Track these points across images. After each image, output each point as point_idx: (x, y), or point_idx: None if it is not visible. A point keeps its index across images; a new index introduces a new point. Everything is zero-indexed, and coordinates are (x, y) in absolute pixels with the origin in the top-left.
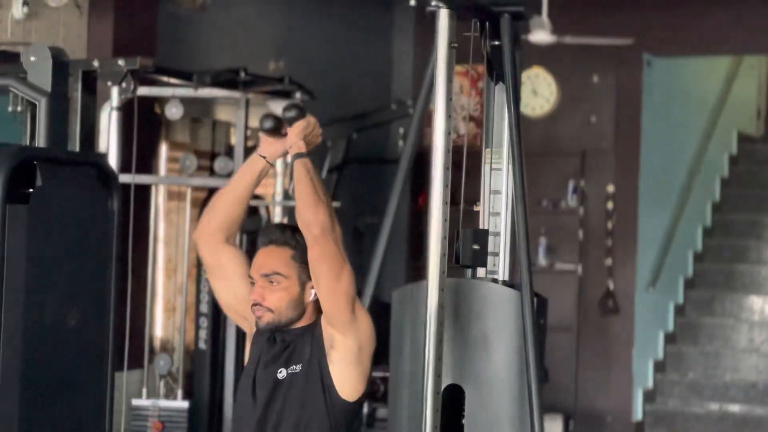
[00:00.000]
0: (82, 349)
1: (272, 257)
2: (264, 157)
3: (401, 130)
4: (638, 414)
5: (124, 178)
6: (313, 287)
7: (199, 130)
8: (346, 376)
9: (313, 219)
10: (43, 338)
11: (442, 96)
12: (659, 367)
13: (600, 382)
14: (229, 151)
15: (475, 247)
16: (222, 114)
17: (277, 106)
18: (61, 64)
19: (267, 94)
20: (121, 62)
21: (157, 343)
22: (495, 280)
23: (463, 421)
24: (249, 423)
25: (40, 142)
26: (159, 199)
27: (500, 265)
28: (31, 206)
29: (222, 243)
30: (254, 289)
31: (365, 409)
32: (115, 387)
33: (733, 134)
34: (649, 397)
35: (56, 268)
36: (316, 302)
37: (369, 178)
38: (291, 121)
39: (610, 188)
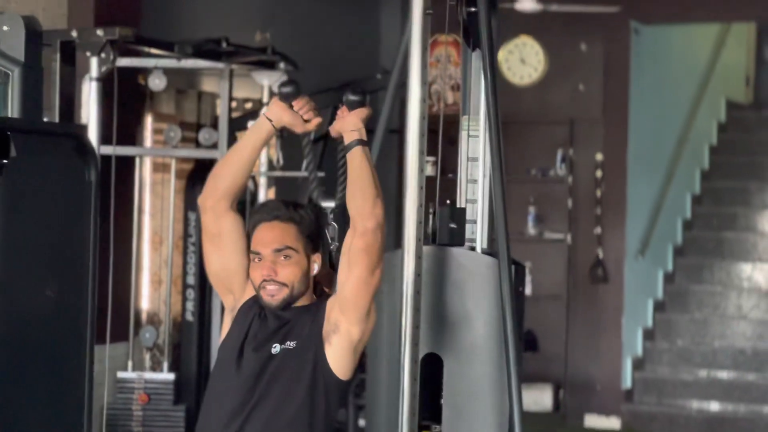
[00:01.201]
0: (61, 321)
1: (281, 232)
2: (270, 121)
3: None
4: (627, 382)
5: (105, 150)
6: (316, 261)
7: (185, 101)
8: (342, 359)
9: (370, 212)
10: (21, 311)
11: (416, 63)
12: (648, 334)
13: (589, 351)
14: (215, 123)
15: (452, 225)
16: (208, 85)
17: (262, 77)
18: (34, 33)
19: (251, 65)
20: (100, 32)
21: (144, 316)
22: (473, 248)
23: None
24: (230, 397)
25: (14, 112)
26: (144, 171)
27: (478, 232)
28: (4, 178)
29: (227, 210)
30: (263, 264)
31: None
32: (100, 359)
33: (722, 101)
34: (638, 364)
35: (33, 239)
36: (315, 281)
37: None
38: (352, 105)
39: (599, 156)
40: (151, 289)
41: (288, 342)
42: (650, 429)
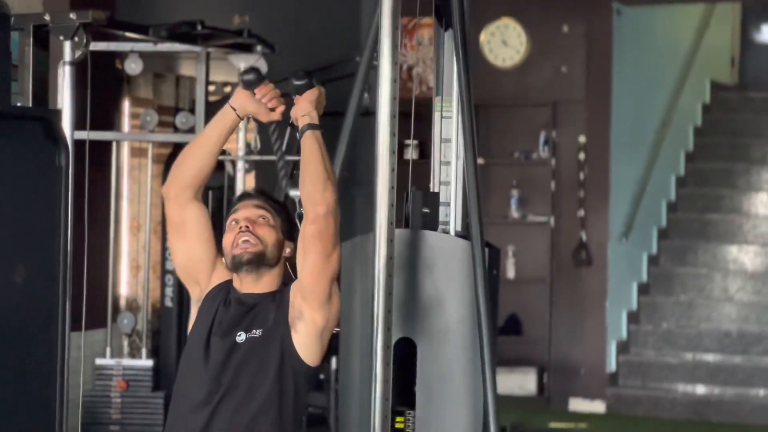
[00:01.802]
0: (31, 307)
1: (258, 206)
2: (234, 110)
3: (368, 85)
4: (612, 365)
5: (79, 135)
6: (289, 247)
7: (163, 85)
8: (309, 346)
9: (320, 197)
10: None
11: (387, 43)
12: (633, 318)
13: (573, 334)
14: (194, 107)
15: (425, 210)
16: (186, 69)
17: (239, 61)
18: (1, 17)
19: (228, 48)
20: (72, 15)
21: (123, 302)
22: (446, 231)
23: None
24: (198, 386)
25: None
26: (122, 156)
27: (451, 215)
28: None
29: (191, 199)
30: (241, 222)
31: (333, 365)
32: (77, 346)
33: (706, 83)
34: (622, 348)
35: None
36: (282, 270)
37: (335, 132)
38: (299, 90)
39: (582, 139)
40: (129, 275)
41: (253, 330)
42: (635, 412)
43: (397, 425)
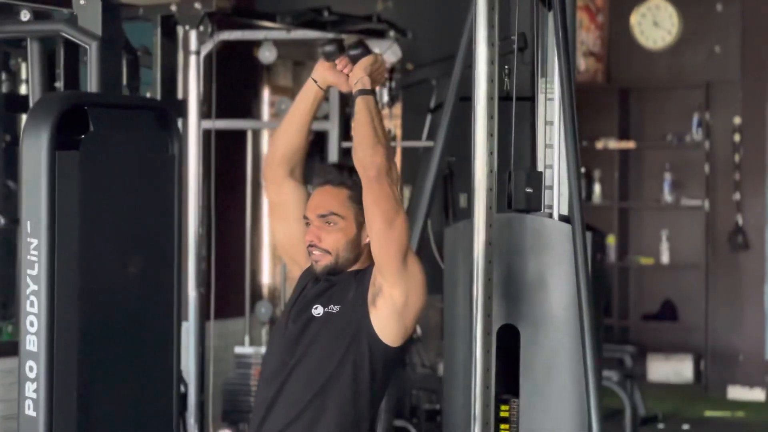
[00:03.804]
0: (147, 296)
1: (329, 197)
2: (316, 82)
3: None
4: None
5: (218, 124)
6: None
7: (303, 73)
8: (388, 324)
9: (370, 160)
10: (102, 287)
11: (483, 24)
12: None
13: (731, 320)
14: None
15: (528, 190)
16: None
17: (372, 47)
18: (111, 7)
19: (361, 34)
20: (197, 5)
21: (265, 291)
22: (550, 215)
23: None
24: (275, 358)
25: (92, 87)
26: (261, 145)
27: (555, 199)
28: (82, 152)
29: (286, 177)
30: (309, 230)
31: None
32: (218, 335)
33: None
34: None
35: (113, 214)
36: (369, 253)
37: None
38: (355, 59)
39: (737, 120)
40: (271, 264)
41: (331, 305)
42: None
43: (502, 414)
